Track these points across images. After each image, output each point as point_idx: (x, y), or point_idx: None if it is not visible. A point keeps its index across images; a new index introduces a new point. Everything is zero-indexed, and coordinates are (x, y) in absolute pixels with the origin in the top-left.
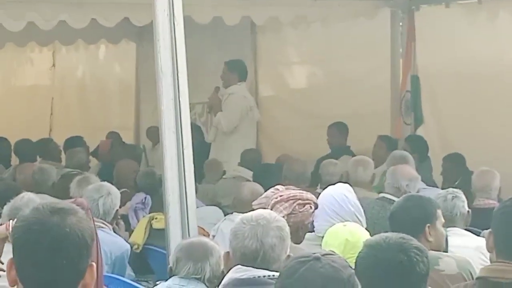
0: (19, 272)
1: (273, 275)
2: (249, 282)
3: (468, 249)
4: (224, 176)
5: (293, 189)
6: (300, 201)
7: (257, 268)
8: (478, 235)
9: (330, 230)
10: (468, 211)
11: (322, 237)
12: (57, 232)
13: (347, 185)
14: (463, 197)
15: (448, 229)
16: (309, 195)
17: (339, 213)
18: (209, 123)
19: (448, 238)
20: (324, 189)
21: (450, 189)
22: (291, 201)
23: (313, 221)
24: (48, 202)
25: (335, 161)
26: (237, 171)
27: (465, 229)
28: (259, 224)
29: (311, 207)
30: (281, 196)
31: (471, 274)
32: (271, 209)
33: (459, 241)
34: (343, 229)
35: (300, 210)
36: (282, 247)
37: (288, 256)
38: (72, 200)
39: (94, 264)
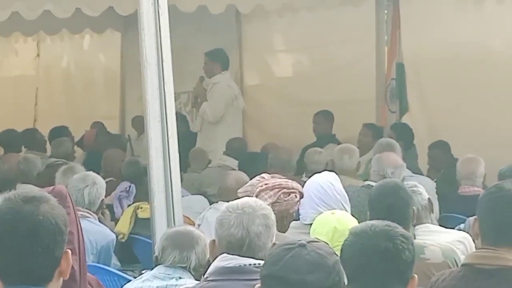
0: None
1: (259, 264)
2: (235, 270)
3: None
4: (209, 165)
5: (279, 178)
6: (285, 190)
7: (243, 256)
8: (464, 223)
9: (318, 218)
10: (428, 198)
11: (309, 225)
12: (31, 220)
13: (333, 173)
14: (420, 189)
15: (417, 227)
16: (294, 184)
17: (326, 201)
18: (195, 113)
19: (417, 237)
20: (309, 177)
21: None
22: (276, 190)
23: (298, 209)
24: (20, 191)
25: (320, 150)
26: (223, 160)
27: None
28: (244, 212)
29: (296, 196)
30: (266, 184)
31: (456, 262)
32: (256, 197)
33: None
34: (331, 217)
35: (285, 198)
36: (268, 235)
37: (274, 244)
38: (51, 187)
39: (69, 251)
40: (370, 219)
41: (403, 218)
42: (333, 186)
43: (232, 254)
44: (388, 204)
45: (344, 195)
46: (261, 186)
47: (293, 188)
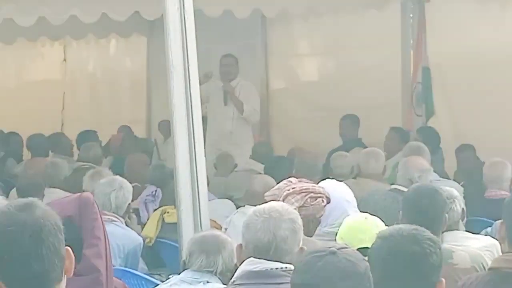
0: (3, 274)
1: (286, 267)
2: (262, 275)
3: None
4: (235, 169)
5: (306, 182)
6: (312, 194)
7: (269, 260)
8: (490, 226)
9: (351, 225)
10: (463, 209)
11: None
12: (32, 225)
13: (335, 181)
14: (458, 197)
15: (445, 233)
16: (321, 189)
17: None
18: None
19: (445, 243)
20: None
21: (447, 193)
22: (303, 194)
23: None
24: (10, 202)
25: (345, 153)
26: (249, 164)
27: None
28: (271, 217)
29: (323, 200)
30: (293, 188)
31: (484, 267)
32: (283, 201)
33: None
34: (367, 223)
35: (312, 203)
36: (294, 240)
37: (301, 248)
38: (78, 194)
39: (69, 248)
40: (402, 220)
41: (435, 222)
42: (348, 204)
43: (259, 258)
44: (422, 207)
45: (354, 205)
46: (288, 190)
47: (320, 193)
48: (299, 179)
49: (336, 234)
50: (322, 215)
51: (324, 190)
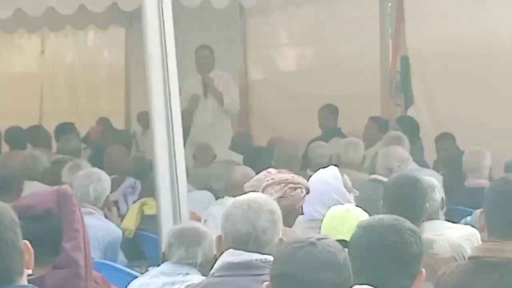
0: None
1: (266, 259)
2: (241, 266)
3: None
4: (215, 161)
5: (285, 173)
6: (291, 185)
7: (249, 251)
8: (470, 215)
9: (332, 215)
10: (442, 198)
11: (311, 220)
12: None
13: (334, 170)
14: (438, 186)
15: (425, 222)
16: (300, 179)
17: (322, 200)
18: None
19: (426, 232)
20: (314, 171)
21: (426, 181)
22: (283, 185)
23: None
24: None
25: (323, 143)
26: (228, 155)
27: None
28: (250, 208)
29: (302, 191)
30: (272, 179)
31: (464, 257)
32: (262, 192)
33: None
34: (348, 214)
35: (291, 193)
36: (274, 230)
37: (281, 239)
38: (56, 187)
39: (26, 241)
40: (382, 210)
41: (417, 211)
42: (330, 186)
43: (239, 250)
44: (404, 195)
45: (343, 194)
46: (268, 181)
47: (299, 183)
48: (278, 170)
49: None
50: (301, 205)
51: (303, 180)
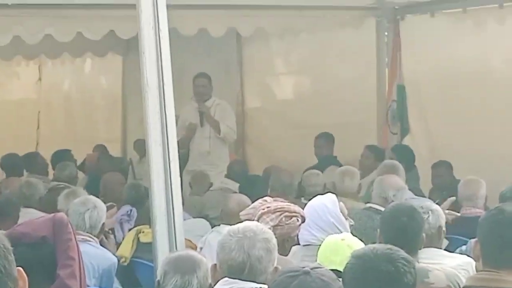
0: None
1: (261, 287)
2: None
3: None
4: (211, 188)
5: (281, 201)
6: (287, 213)
7: (244, 280)
8: (465, 244)
9: (327, 244)
10: (439, 226)
11: (306, 246)
12: None
13: (332, 195)
14: (434, 212)
15: (420, 251)
16: (296, 208)
17: (318, 223)
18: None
19: (421, 261)
20: (309, 200)
21: (424, 204)
22: (278, 213)
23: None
24: None
25: (317, 172)
26: (224, 183)
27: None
28: (245, 236)
29: (298, 219)
30: (268, 207)
31: (459, 286)
32: (258, 220)
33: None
34: (342, 244)
35: (287, 222)
36: (269, 259)
37: (276, 268)
38: (52, 215)
39: (20, 268)
40: (379, 238)
41: (414, 240)
42: (327, 209)
43: (233, 278)
44: (401, 224)
45: (339, 218)
46: (263, 209)
47: (295, 212)
48: (274, 198)
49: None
50: (297, 234)
51: (299, 208)
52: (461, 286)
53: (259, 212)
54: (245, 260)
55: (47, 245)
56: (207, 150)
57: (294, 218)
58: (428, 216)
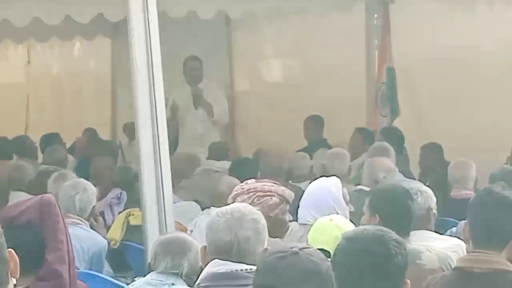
0: None
1: (251, 269)
2: (226, 276)
3: None
4: (194, 172)
5: (261, 182)
6: (260, 193)
7: (233, 261)
8: (456, 226)
9: (316, 226)
10: (429, 207)
11: (303, 225)
12: None
13: (337, 180)
14: (430, 195)
15: (412, 233)
16: (273, 187)
17: (318, 205)
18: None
19: (412, 243)
20: (296, 182)
21: (413, 186)
22: (251, 193)
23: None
24: None
25: (304, 154)
26: (206, 165)
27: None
28: (233, 217)
29: (271, 198)
30: (242, 188)
31: (451, 267)
32: (233, 202)
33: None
34: (330, 224)
35: (258, 202)
36: (257, 240)
37: (265, 249)
38: (40, 196)
39: (11, 249)
40: (374, 219)
41: (409, 222)
42: (329, 193)
43: (222, 259)
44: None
45: (340, 203)
46: (236, 191)
47: (269, 191)
48: (258, 180)
49: None
50: (277, 213)
51: (277, 188)
52: (453, 266)
53: (233, 194)
54: (233, 240)
55: (33, 229)
56: (201, 132)
57: (267, 197)
58: (417, 197)
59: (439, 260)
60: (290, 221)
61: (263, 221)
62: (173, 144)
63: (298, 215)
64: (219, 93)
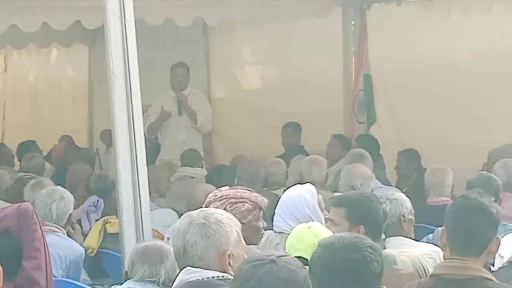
0: None
1: (223, 276)
2: (197, 285)
3: None
4: (170, 180)
5: (234, 189)
6: (232, 200)
7: (205, 269)
8: (432, 233)
9: (294, 233)
10: (400, 215)
11: (278, 233)
12: None
13: (311, 186)
14: (402, 202)
15: (388, 239)
16: (245, 194)
17: (294, 213)
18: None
19: (388, 249)
20: (271, 190)
21: (389, 193)
22: (224, 200)
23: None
24: None
25: (278, 160)
26: (179, 172)
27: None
28: (185, 222)
29: (243, 205)
30: (215, 195)
31: (424, 269)
32: None
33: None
34: (308, 232)
35: (230, 208)
36: (206, 245)
37: (228, 254)
38: (17, 205)
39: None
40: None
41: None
42: (305, 200)
43: (194, 267)
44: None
45: (315, 210)
46: (209, 198)
47: (242, 198)
48: (232, 187)
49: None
50: (250, 220)
51: (249, 195)
52: (427, 270)
53: (207, 201)
54: (181, 246)
55: (11, 237)
56: (183, 139)
57: (239, 204)
58: (386, 206)
59: (412, 264)
60: (266, 229)
61: (215, 226)
62: (155, 150)
63: (273, 223)
64: (204, 100)
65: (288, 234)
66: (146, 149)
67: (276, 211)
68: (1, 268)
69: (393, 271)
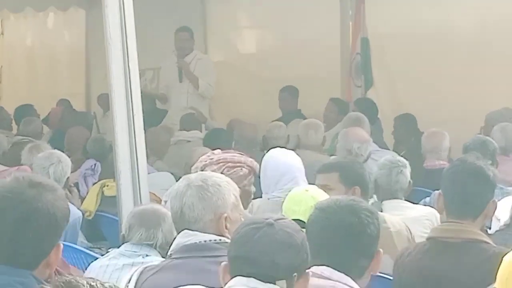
0: None
1: (221, 239)
2: (195, 248)
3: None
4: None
5: (229, 153)
6: (230, 164)
7: (202, 232)
8: (429, 196)
9: (292, 196)
10: (409, 182)
11: (271, 199)
12: (29, 205)
13: (283, 150)
14: (408, 170)
15: (385, 201)
16: (242, 158)
17: (284, 178)
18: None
19: (385, 212)
20: None
21: (396, 161)
22: (221, 164)
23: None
24: (28, 174)
25: (280, 124)
26: (176, 136)
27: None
28: (183, 184)
29: (241, 169)
30: (211, 159)
31: (409, 228)
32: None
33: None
34: (306, 194)
35: (228, 173)
36: (202, 207)
37: (221, 217)
38: (16, 167)
39: (61, 244)
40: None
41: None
42: (293, 163)
43: (191, 230)
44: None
45: (303, 173)
46: (205, 161)
47: (239, 162)
48: (225, 150)
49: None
50: (245, 184)
51: (246, 159)
52: (410, 227)
53: (201, 164)
54: (178, 207)
55: None
56: (185, 105)
57: (237, 169)
58: (404, 169)
59: (398, 223)
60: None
61: (212, 188)
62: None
63: (263, 189)
64: (209, 65)
65: (281, 198)
66: (151, 115)
67: (265, 176)
68: (61, 245)
69: (384, 229)
